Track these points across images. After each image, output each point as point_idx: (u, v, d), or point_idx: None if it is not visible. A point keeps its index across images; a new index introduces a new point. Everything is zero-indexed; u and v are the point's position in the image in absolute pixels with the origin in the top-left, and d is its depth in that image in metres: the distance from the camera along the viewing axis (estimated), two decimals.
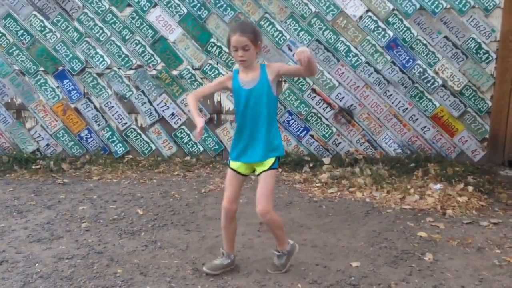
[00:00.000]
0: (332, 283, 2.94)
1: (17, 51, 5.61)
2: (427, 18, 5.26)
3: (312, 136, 5.59)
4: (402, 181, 4.75)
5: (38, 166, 5.37)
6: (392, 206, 4.22)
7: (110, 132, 5.73)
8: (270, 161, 2.90)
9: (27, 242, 3.54)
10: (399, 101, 5.43)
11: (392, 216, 4.01)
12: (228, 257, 3.08)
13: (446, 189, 4.44)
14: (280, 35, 5.42)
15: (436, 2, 5.20)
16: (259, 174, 2.94)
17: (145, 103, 5.67)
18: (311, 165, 5.33)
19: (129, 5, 5.49)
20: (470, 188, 4.47)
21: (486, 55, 5.25)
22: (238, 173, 2.95)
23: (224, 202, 2.99)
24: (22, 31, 5.58)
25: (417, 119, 5.44)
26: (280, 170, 5.29)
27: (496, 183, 4.73)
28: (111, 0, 5.49)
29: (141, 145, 5.75)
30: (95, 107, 5.71)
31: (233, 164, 2.96)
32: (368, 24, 5.33)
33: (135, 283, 2.95)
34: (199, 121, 2.74)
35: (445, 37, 5.27)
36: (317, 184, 4.80)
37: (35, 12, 5.55)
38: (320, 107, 5.52)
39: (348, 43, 5.38)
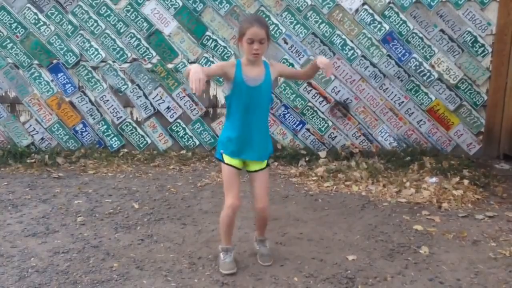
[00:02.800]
0: (328, 277, 2.94)
1: (11, 44, 5.57)
2: (423, 11, 5.25)
3: (308, 129, 5.58)
4: (398, 175, 4.76)
5: (33, 160, 5.34)
6: (388, 200, 4.22)
7: (105, 126, 5.71)
8: (266, 160, 2.99)
9: (22, 236, 3.52)
10: (395, 95, 5.43)
11: (388, 210, 4.01)
12: (232, 249, 3.08)
13: (441, 183, 4.45)
14: (276, 28, 5.40)
15: None
16: (255, 171, 2.94)
17: (140, 96, 5.64)
18: (307, 158, 5.33)
19: None
20: (466, 182, 4.48)
21: (482, 48, 5.25)
22: (236, 168, 2.92)
23: (232, 200, 2.89)
24: (16, 24, 5.53)
25: (413, 113, 5.45)
26: (276, 164, 5.29)
27: (491, 177, 4.75)
28: None
29: (136, 139, 5.73)
30: (90, 100, 5.68)
31: (230, 161, 2.90)
32: (364, 17, 5.32)
33: (131, 277, 2.95)
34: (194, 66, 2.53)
35: (441, 30, 5.27)
36: (313, 178, 4.80)
37: (29, 5, 5.50)
38: (316, 101, 5.51)
39: (344, 37, 5.37)
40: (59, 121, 5.71)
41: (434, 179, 4.54)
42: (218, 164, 5.24)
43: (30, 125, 5.72)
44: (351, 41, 5.38)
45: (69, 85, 5.65)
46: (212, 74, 2.85)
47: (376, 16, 5.31)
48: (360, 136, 5.55)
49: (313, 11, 5.36)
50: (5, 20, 5.53)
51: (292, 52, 5.42)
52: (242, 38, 2.78)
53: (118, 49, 5.56)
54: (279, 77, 5.40)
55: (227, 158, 2.90)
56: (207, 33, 5.48)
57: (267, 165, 3.00)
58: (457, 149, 5.46)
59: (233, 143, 2.87)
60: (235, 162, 2.90)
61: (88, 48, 5.56)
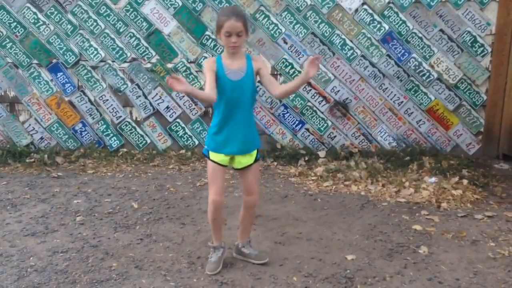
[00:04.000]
0: (327, 276, 2.95)
1: (10, 43, 5.56)
2: (422, 11, 5.25)
3: (307, 129, 5.58)
4: (397, 175, 4.76)
5: (32, 160, 5.34)
6: (387, 200, 4.22)
7: (104, 126, 5.71)
8: (254, 153, 2.96)
9: (22, 236, 3.52)
10: (395, 95, 5.43)
11: (387, 210, 4.01)
12: (220, 248, 3.07)
13: (441, 183, 4.45)
14: (276, 28, 5.40)
15: None
16: (245, 167, 2.94)
17: (139, 96, 5.64)
18: (306, 158, 5.32)
19: None
20: (465, 182, 4.48)
21: (482, 48, 5.25)
22: (220, 165, 2.91)
23: (213, 196, 2.91)
24: (15, 24, 5.53)
25: (412, 113, 5.45)
26: (275, 163, 5.28)
27: (490, 177, 4.75)
28: None
29: (136, 138, 5.73)
30: (89, 100, 5.67)
31: (215, 157, 2.89)
32: (364, 17, 5.32)
33: (130, 277, 2.95)
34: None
35: (441, 30, 5.27)
36: (313, 178, 4.80)
37: (28, 4, 5.49)
38: (315, 101, 5.51)
39: (343, 36, 5.37)
40: (58, 121, 5.71)
41: (433, 179, 4.54)
42: None
43: (30, 125, 5.72)
44: (351, 41, 5.38)
45: (69, 84, 5.65)
46: (214, 83, 2.80)
47: (375, 16, 5.31)
48: (359, 136, 5.55)
49: (313, 11, 5.36)
50: (5, 19, 5.52)
51: (291, 52, 5.42)
52: (220, 31, 2.78)
53: (118, 48, 5.55)
54: (278, 76, 5.47)
55: (212, 154, 2.90)
56: (207, 32, 5.48)
57: (256, 160, 2.96)
58: (457, 149, 5.46)
59: (217, 137, 2.88)
60: (220, 158, 2.89)
61: (88, 47, 5.56)
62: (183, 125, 5.68)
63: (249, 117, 2.92)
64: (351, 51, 5.39)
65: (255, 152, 2.96)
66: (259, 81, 2.98)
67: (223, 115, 2.85)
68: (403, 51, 5.34)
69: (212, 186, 2.93)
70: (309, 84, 5.47)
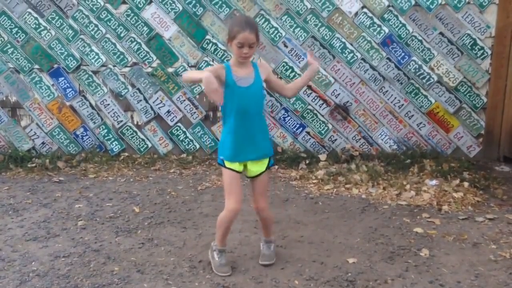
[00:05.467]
0: (329, 279, 2.95)
1: (12, 48, 5.58)
2: (422, 14, 5.27)
3: (308, 132, 5.59)
4: (398, 177, 4.77)
5: (34, 165, 5.35)
6: (388, 202, 4.23)
7: (106, 130, 5.72)
8: (266, 161, 2.99)
9: (23, 241, 3.53)
10: (395, 98, 5.44)
11: (388, 212, 4.02)
12: (225, 252, 3.10)
13: (441, 185, 4.46)
14: (276, 31, 5.42)
15: None
16: (256, 175, 2.97)
17: (140, 100, 5.65)
18: (307, 161, 5.33)
19: (124, 2, 5.46)
20: (466, 184, 4.48)
21: (481, 51, 5.26)
22: (237, 171, 2.94)
23: (234, 205, 2.91)
24: (16, 29, 5.55)
25: (412, 115, 5.46)
26: (276, 167, 5.29)
27: (491, 179, 4.75)
28: None
29: (137, 142, 5.74)
30: (90, 105, 5.69)
31: (230, 164, 2.92)
32: (364, 21, 5.34)
33: (132, 281, 2.95)
34: (205, 74, 2.64)
35: (440, 33, 5.28)
36: (314, 181, 4.80)
37: (29, 10, 5.51)
38: (316, 104, 5.52)
39: (343, 40, 5.38)
40: (59, 125, 5.72)
41: (434, 182, 4.54)
42: (218, 168, 5.25)
43: (31, 130, 5.74)
44: (351, 44, 5.39)
45: (70, 89, 5.66)
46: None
47: (375, 19, 5.32)
48: (360, 139, 5.55)
49: (313, 15, 5.37)
50: (6, 25, 5.54)
51: (292, 55, 5.44)
52: (232, 40, 2.80)
53: (119, 53, 5.57)
54: (280, 79, 5.48)
55: (227, 162, 2.93)
56: (207, 36, 5.50)
57: (268, 167, 3.01)
58: (457, 152, 5.47)
59: (230, 146, 2.90)
60: (235, 165, 2.92)
61: (89, 52, 5.58)
62: (184, 129, 5.69)
63: (260, 123, 2.96)
64: (351, 54, 5.40)
65: (267, 160, 2.99)
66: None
67: (234, 123, 2.87)
68: (403, 54, 5.35)
69: (231, 194, 2.92)
70: (310, 87, 5.48)
